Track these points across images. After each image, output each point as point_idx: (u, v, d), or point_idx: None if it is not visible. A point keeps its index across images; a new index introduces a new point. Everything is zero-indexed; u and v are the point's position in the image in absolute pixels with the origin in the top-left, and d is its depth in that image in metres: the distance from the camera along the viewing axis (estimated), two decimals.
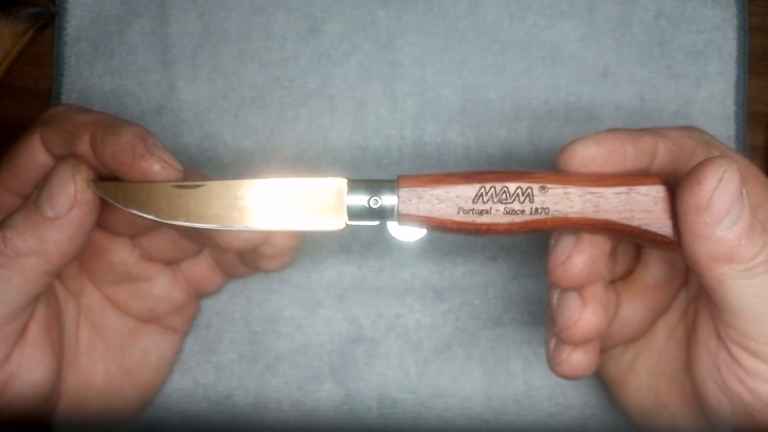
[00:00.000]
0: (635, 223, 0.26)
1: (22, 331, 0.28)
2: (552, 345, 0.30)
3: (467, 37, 0.37)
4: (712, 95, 0.37)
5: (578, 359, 0.29)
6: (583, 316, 0.28)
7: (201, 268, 0.33)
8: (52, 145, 0.28)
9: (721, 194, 0.25)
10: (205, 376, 0.36)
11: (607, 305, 0.29)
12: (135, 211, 0.27)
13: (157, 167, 0.27)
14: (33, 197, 0.27)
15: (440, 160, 0.36)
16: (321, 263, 0.37)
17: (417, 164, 0.36)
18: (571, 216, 0.26)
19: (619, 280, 0.32)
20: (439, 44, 0.37)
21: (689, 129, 0.29)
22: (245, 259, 0.32)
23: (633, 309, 0.32)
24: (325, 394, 0.36)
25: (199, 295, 0.34)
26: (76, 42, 0.36)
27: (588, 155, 0.27)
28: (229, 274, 0.34)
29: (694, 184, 0.25)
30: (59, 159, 0.27)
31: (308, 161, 0.36)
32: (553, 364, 0.30)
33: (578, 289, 0.29)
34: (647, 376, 0.32)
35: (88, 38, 0.36)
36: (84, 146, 0.27)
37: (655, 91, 0.37)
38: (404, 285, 0.37)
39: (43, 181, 0.27)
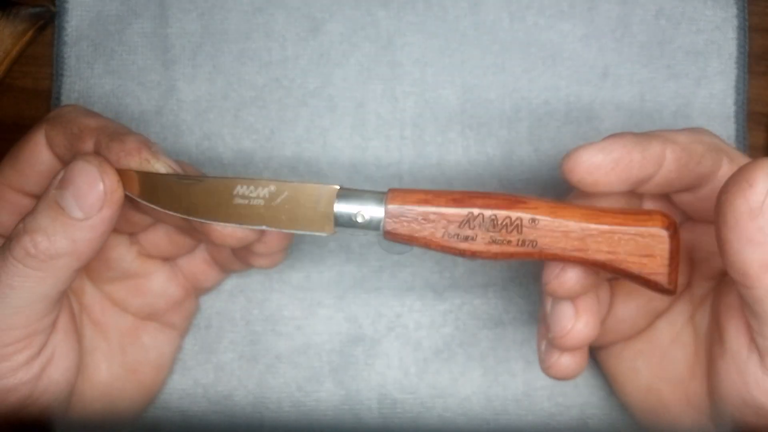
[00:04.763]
0: (628, 266, 0.26)
1: (55, 320, 0.29)
2: (543, 347, 0.30)
3: (467, 37, 0.37)
4: (712, 95, 0.37)
5: (566, 362, 0.29)
6: (576, 327, 0.28)
7: (198, 263, 0.34)
8: (56, 145, 0.29)
9: None
10: (205, 375, 0.36)
11: (599, 314, 0.29)
12: (139, 199, 0.28)
13: (162, 171, 0.28)
14: (54, 197, 0.26)
15: (440, 160, 0.36)
16: (321, 263, 0.37)
17: (417, 164, 0.36)
18: (559, 253, 0.26)
19: (614, 278, 0.32)
20: (439, 44, 0.37)
21: (698, 133, 0.29)
22: (238, 255, 0.32)
23: (626, 307, 0.32)
24: (325, 394, 0.36)
25: (197, 290, 0.35)
26: (76, 42, 0.36)
27: (594, 164, 0.27)
28: (225, 270, 0.34)
29: (745, 187, 0.24)
30: (78, 156, 0.27)
31: (308, 161, 0.36)
32: (544, 366, 0.30)
33: (572, 299, 0.29)
34: (649, 377, 0.32)
35: (88, 38, 0.36)
36: (87, 150, 0.28)
37: (655, 91, 0.37)
38: (404, 285, 0.37)
39: (65, 182, 0.27)
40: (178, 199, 0.27)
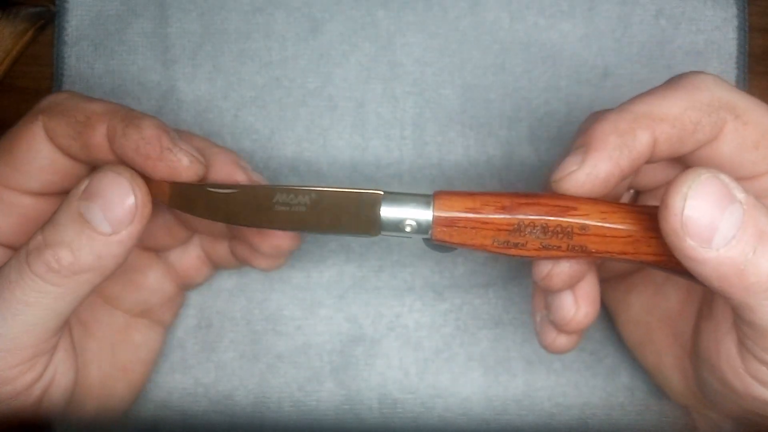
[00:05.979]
0: (674, 266, 0.25)
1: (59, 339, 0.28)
2: (538, 319, 0.30)
3: (467, 37, 0.37)
4: None
5: (564, 342, 0.30)
6: (577, 317, 0.28)
7: (191, 259, 0.34)
8: (59, 136, 0.27)
9: (693, 212, 0.22)
10: (205, 375, 0.36)
11: (597, 298, 0.29)
12: (174, 208, 0.27)
13: (185, 161, 0.26)
14: (78, 209, 0.25)
15: (440, 160, 0.36)
16: (321, 263, 0.37)
17: (417, 164, 0.36)
18: (607, 256, 0.26)
19: None
20: (439, 44, 0.37)
21: (694, 91, 0.26)
22: (238, 254, 0.32)
23: None
24: (325, 394, 0.36)
25: (186, 286, 0.35)
26: (76, 42, 0.36)
27: (584, 192, 0.25)
28: (218, 266, 0.34)
29: (662, 209, 0.23)
30: (106, 167, 0.26)
31: (308, 161, 0.36)
32: (542, 343, 0.30)
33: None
34: (639, 310, 0.32)
35: (88, 38, 0.36)
36: (98, 138, 0.26)
37: None
38: (404, 285, 0.37)
39: (92, 194, 0.25)
40: (215, 208, 0.27)
